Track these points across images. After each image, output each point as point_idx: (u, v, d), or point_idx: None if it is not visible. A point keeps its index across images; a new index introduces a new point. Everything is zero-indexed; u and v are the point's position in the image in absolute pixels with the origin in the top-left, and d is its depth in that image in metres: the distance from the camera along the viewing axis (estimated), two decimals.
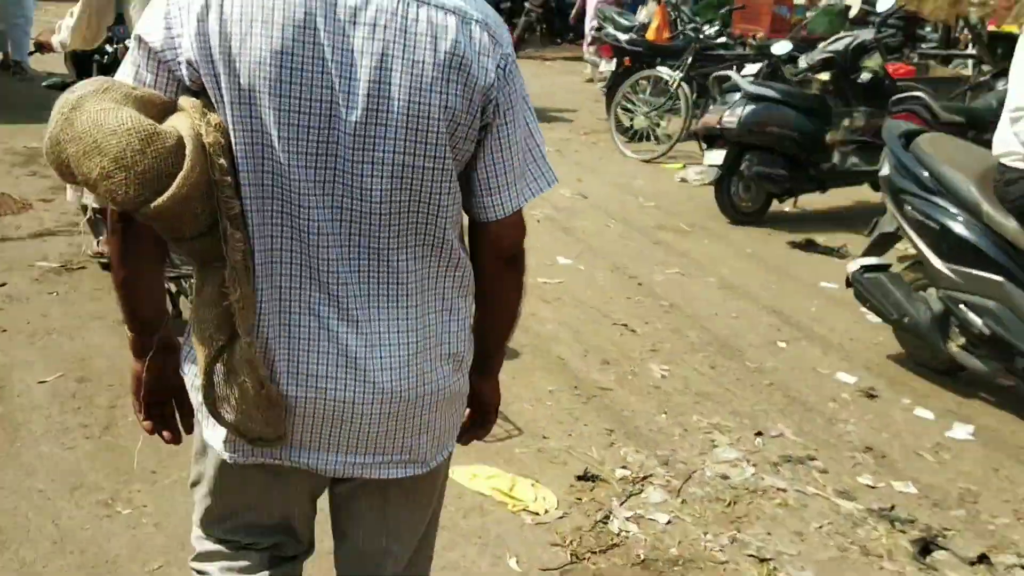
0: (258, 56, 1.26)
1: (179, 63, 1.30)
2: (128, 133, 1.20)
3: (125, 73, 1.35)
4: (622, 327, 4.71)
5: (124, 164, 1.20)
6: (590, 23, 12.13)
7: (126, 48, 4.19)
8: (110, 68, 4.56)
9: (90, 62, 4.60)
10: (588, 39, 12.29)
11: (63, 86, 4.83)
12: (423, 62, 1.28)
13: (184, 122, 1.27)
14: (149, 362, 1.51)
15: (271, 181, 1.31)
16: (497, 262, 1.51)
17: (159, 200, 1.23)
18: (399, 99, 1.28)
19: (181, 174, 1.23)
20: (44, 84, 4.40)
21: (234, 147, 1.30)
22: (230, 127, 1.29)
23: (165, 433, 1.61)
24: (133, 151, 1.20)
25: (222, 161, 1.27)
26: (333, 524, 1.71)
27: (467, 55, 1.30)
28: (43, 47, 4.56)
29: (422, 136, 1.31)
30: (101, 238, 4.45)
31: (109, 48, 4.48)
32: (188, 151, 1.24)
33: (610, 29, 10.82)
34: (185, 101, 1.30)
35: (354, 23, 1.27)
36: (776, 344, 4.65)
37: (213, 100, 1.30)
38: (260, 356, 1.37)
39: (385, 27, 1.27)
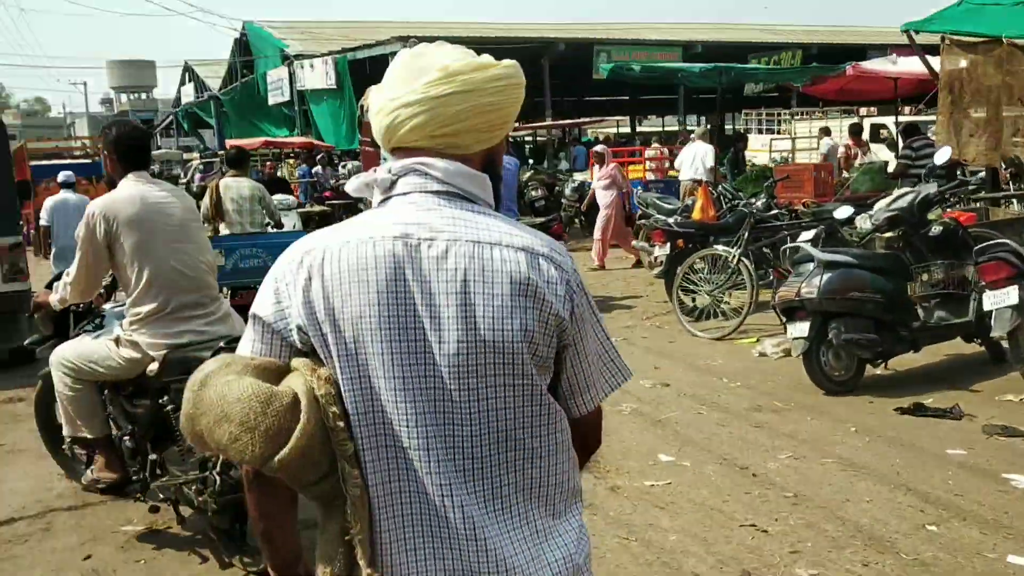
0: (358, 312, 1.43)
1: (290, 330, 1.48)
2: (250, 399, 1.39)
3: (243, 347, 1.53)
4: (751, 528, 4.31)
5: (249, 426, 1.38)
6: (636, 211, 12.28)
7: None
8: (84, 315, 4.65)
9: (66, 313, 4.58)
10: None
11: (42, 341, 4.81)
12: (501, 294, 1.43)
13: (297, 380, 1.44)
14: None
15: (380, 419, 1.44)
16: (581, 453, 1.63)
17: (282, 453, 1.38)
18: (483, 329, 1.42)
19: (299, 426, 1.39)
20: (26, 343, 4.33)
21: (344, 394, 1.45)
22: (339, 376, 1.44)
23: None
24: (255, 413, 1.38)
25: (334, 409, 1.42)
26: None
27: (538, 286, 1.45)
28: (40, 307, 4.52)
29: (508, 359, 1.44)
30: (91, 468, 4.55)
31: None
32: (303, 406, 1.40)
33: (656, 215, 10.92)
34: (296, 362, 1.47)
35: (438, 269, 1.43)
36: (926, 528, 4.21)
37: (322, 356, 1.46)
38: None
39: (465, 269, 1.43)
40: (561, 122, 29.37)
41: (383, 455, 1.45)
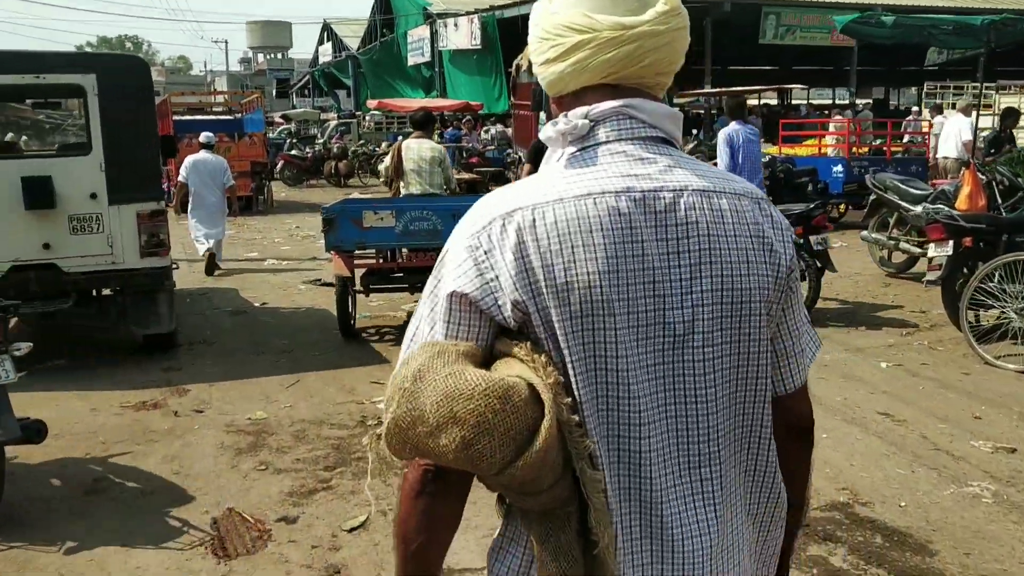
0: (586, 280, 1.20)
1: (499, 306, 1.21)
2: (484, 395, 1.12)
3: (436, 330, 1.24)
4: None
5: (486, 428, 1.12)
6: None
7: None
8: None
9: None
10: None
11: None
12: (739, 248, 1.26)
13: (519, 368, 1.18)
14: None
15: (614, 407, 1.22)
16: (795, 440, 1.40)
17: (526, 456, 1.13)
18: (725, 289, 1.24)
19: (545, 424, 1.14)
20: None
21: (573, 380, 1.20)
22: (568, 359, 1.20)
23: None
24: (493, 412, 1.12)
25: (566, 399, 1.18)
26: None
27: (768, 234, 1.29)
28: None
29: (746, 323, 1.26)
30: None
31: None
32: (545, 398, 1.15)
33: (900, 201, 8.91)
34: (507, 345, 1.22)
35: (666, 225, 1.23)
36: None
37: (540, 336, 1.21)
38: None
39: (697, 223, 1.24)
40: (731, 89, 27.05)
41: (616, 451, 1.22)
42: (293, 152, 25.73)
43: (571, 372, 1.20)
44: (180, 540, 3.97)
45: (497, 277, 1.21)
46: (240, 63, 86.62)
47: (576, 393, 1.20)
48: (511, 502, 1.27)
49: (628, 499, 1.23)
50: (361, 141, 28.93)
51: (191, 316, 8.46)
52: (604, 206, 1.22)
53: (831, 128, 16.62)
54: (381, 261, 7.83)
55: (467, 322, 1.23)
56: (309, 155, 25.40)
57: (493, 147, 22.34)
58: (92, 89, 6.46)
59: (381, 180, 12.30)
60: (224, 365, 6.80)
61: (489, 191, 12.17)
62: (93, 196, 6.55)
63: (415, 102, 27.65)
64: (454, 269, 1.24)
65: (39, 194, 6.38)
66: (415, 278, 7.43)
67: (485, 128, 24.85)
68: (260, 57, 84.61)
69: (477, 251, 1.23)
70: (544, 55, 1.31)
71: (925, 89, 26.71)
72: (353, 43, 43.90)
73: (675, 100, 23.39)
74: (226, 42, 73.21)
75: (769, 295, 1.27)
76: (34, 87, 7.13)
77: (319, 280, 10.26)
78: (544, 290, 1.19)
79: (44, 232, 6.48)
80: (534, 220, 1.21)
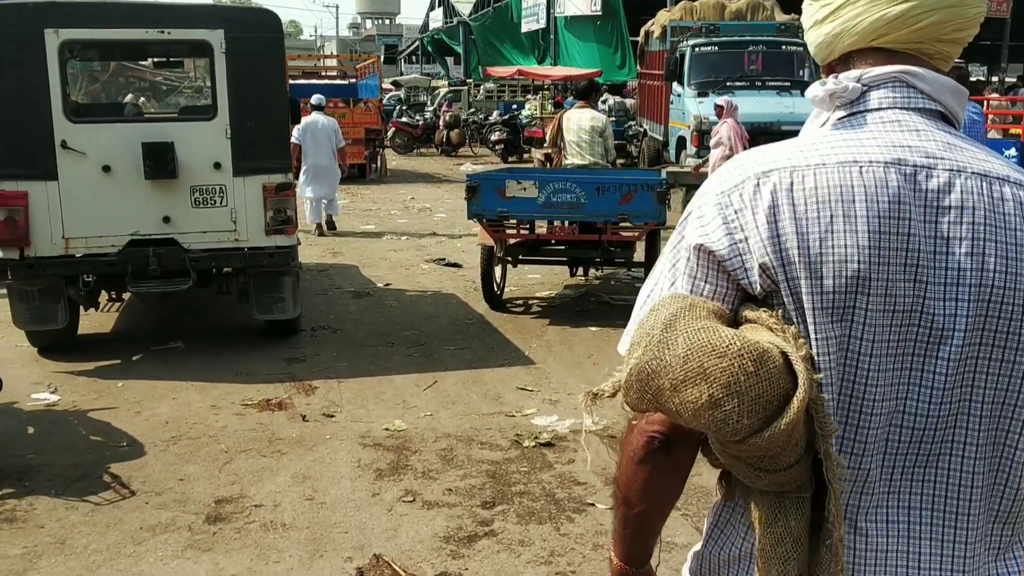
0: (843, 254, 1.09)
1: (747, 269, 1.13)
2: (739, 355, 1.04)
3: (678, 285, 1.17)
4: None
5: (736, 390, 1.03)
6: None
7: None
8: None
9: None
10: None
11: None
12: (1017, 244, 1.11)
13: (768, 335, 1.08)
14: None
15: (858, 392, 1.11)
16: None
17: (773, 427, 1.03)
18: (993, 287, 1.10)
19: (797, 396, 1.04)
20: None
21: (816, 356, 1.10)
22: (812, 334, 1.10)
23: None
24: (746, 374, 1.03)
25: (819, 375, 1.09)
26: None
27: None
28: None
29: (1016, 326, 1.11)
30: None
31: None
32: (799, 371, 1.05)
33: None
34: (755, 313, 1.12)
35: (937, 207, 1.11)
36: None
37: (787, 306, 1.12)
38: None
39: (974, 209, 1.11)
40: None
41: (854, 437, 1.12)
42: (403, 119, 25.23)
43: (815, 348, 1.10)
44: None
45: (746, 239, 1.12)
46: (349, 28, 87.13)
47: (820, 371, 1.11)
48: (742, 479, 1.15)
49: (876, 498, 1.15)
50: (472, 110, 28.28)
51: (312, 296, 7.84)
52: (870, 176, 1.11)
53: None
54: (526, 232, 7.59)
55: (713, 280, 1.15)
56: (420, 123, 24.84)
57: (613, 119, 21.31)
58: (220, 46, 5.80)
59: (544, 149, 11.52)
60: (351, 358, 6.12)
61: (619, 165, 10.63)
62: (217, 166, 5.91)
63: (537, 70, 26.76)
64: (701, 225, 1.16)
65: (160, 162, 5.77)
66: (572, 252, 7.42)
67: (603, 99, 23.77)
68: (368, 23, 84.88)
69: (727, 209, 1.14)
70: (813, 16, 1.22)
71: None
72: (465, 9, 43.18)
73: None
74: (337, 7, 73.46)
75: None
76: (157, 43, 6.51)
77: (443, 260, 9.56)
78: (796, 259, 1.10)
79: (164, 204, 5.88)
80: (791, 183, 1.12)
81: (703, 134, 13.79)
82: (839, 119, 1.19)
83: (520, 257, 7.43)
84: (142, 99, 16.28)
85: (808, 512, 1.11)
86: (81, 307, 6.41)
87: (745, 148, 8.72)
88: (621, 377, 1.13)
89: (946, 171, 1.11)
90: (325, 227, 11.44)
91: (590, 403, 1.22)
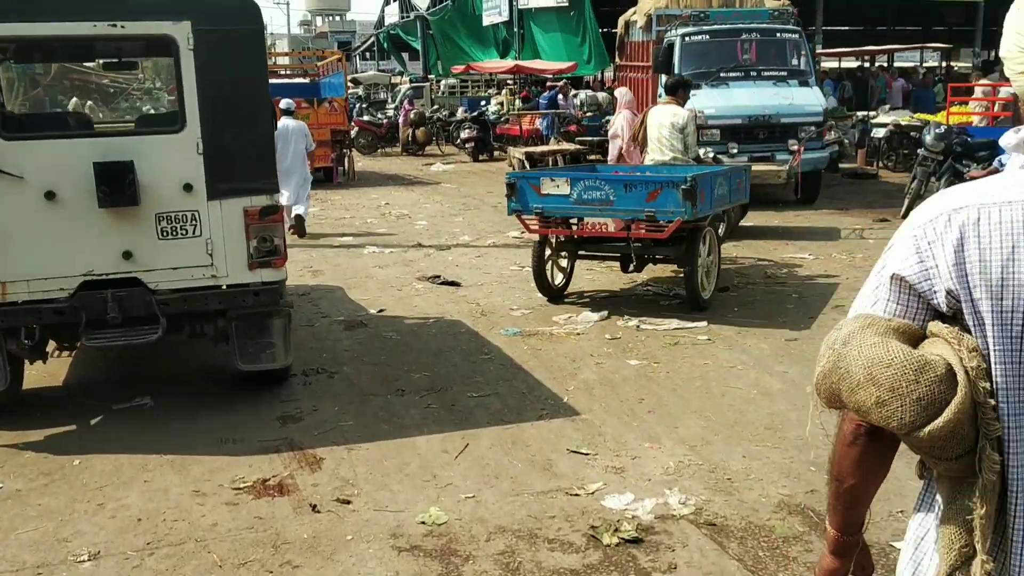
0: (1016, 286, 1.28)
1: (934, 292, 1.35)
2: (901, 365, 1.31)
3: (875, 306, 1.41)
4: None
5: (899, 392, 1.30)
6: None
7: None
8: None
9: None
10: None
11: None
12: None
13: (942, 348, 1.32)
14: (843, 559, 1.55)
15: (1020, 405, 1.31)
16: None
17: (935, 424, 1.29)
18: None
19: (955, 400, 1.28)
20: None
21: (994, 369, 1.31)
22: (990, 349, 1.31)
23: None
24: (907, 381, 1.30)
25: (985, 384, 1.30)
26: None
27: None
28: None
29: None
30: None
31: None
32: (960, 379, 1.29)
33: None
34: (938, 328, 1.35)
35: None
36: None
37: (970, 324, 1.33)
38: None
39: None
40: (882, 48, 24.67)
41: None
42: (366, 118, 24.08)
43: (993, 361, 1.30)
44: None
45: (936, 266, 1.34)
46: (300, 25, 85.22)
47: (995, 381, 1.31)
48: (927, 462, 1.40)
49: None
50: (436, 106, 27.18)
51: (297, 329, 6.78)
52: None
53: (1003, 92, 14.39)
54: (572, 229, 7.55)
55: (904, 302, 1.38)
56: (385, 121, 23.72)
57: (588, 114, 20.39)
58: (186, 41, 4.74)
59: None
60: (357, 413, 5.10)
61: (588, 161, 10.05)
62: (188, 188, 4.85)
63: (504, 64, 25.74)
64: (899, 254, 1.39)
65: (117, 186, 4.69)
66: (609, 247, 7.60)
67: (573, 93, 22.83)
68: (319, 20, 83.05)
69: (921, 241, 1.35)
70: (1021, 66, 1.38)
71: None
72: (423, 3, 41.93)
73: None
74: (288, 3, 71.43)
75: None
76: (110, 39, 5.40)
77: (438, 277, 8.55)
78: (979, 283, 1.30)
79: (124, 237, 4.81)
80: (979, 218, 1.31)
81: (698, 128, 12.93)
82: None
83: (570, 253, 7.72)
84: (89, 103, 14.95)
85: (977, 496, 1.32)
86: (26, 361, 5.30)
87: (635, 140, 8.93)
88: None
89: None
90: (303, 229, 10.76)
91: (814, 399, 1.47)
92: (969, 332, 1.32)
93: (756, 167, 10.92)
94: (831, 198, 13.41)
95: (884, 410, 1.30)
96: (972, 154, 12.02)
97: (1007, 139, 1.42)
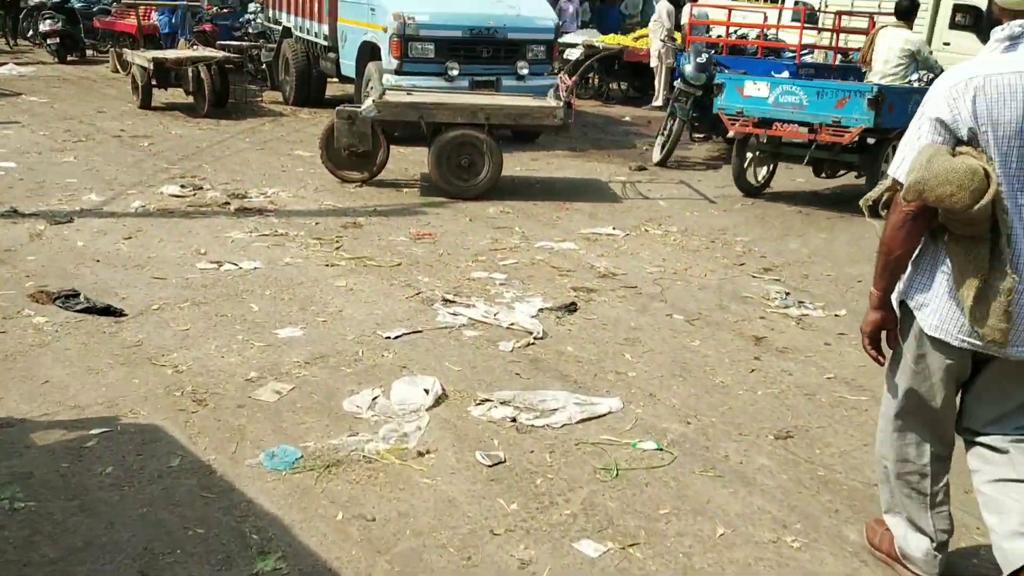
0: (1008, 118, 2.25)
1: (959, 128, 2.29)
2: (964, 170, 2.22)
3: (928, 138, 2.33)
4: None
5: (962, 185, 2.21)
6: None
7: None
8: None
9: None
10: None
11: None
12: None
13: (972, 160, 2.24)
14: (885, 311, 2.53)
15: (1012, 194, 2.29)
16: None
17: (979, 205, 2.21)
18: None
19: (989, 192, 2.22)
20: None
21: (997, 169, 2.26)
22: (995, 159, 2.27)
23: (875, 354, 2.59)
24: (968, 179, 2.21)
25: (998, 180, 2.25)
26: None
27: None
28: None
29: None
30: None
31: None
32: (992, 177, 2.23)
33: None
34: (966, 149, 2.29)
35: None
36: None
37: (983, 146, 2.28)
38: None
39: None
40: None
41: (1020, 210, 2.30)
42: None
43: (996, 165, 2.26)
44: None
45: (960, 112, 2.28)
46: None
47: (999, 176, 2.26)
48: (956, 232, 2.33)
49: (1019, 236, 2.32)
50: None
51: None
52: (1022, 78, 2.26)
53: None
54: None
55: (943, 134, 2.31)
56: None
57: (221, 9, 16.07)
58: None
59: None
60: None
61: (245, 72, 8.56)
62: None
63: None
64: (936, 106, 2.32)
65: None
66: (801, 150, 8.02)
67: None
68: None
69: (950, 98, 2.29)
70: None
71: None
72: None
73: None
74: None
75: None
76: None
77: (73, 298, 4.76)
78: (986, 122, 2.26)
79: None
80: (984, 83, 2.26)
81: (407, 40, 9.81)
82: (1006, 46, 2.35)
83: (768, 154, 8.41)
84: None
85: (989, 247, 2.29)
86: None
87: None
88: (885, 186, 2.45)
89: None
90: None
91: (866, 209, 2.54)
92: (985, 151, 2.27)
93: (518, 102, 8.16)
94: (551, 137, 11.04)
95: (955, 198, 2.21)
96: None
97: (996, 33, 2.38)
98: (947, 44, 15.37)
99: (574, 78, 8.69)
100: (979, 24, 15.02)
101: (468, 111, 7.65)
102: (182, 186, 7.60)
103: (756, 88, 7.86)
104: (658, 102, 14.66)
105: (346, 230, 6.56)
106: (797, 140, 7.85)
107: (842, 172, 8.53)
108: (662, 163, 9.84)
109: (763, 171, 8.61)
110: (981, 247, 2.27)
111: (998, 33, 2.36)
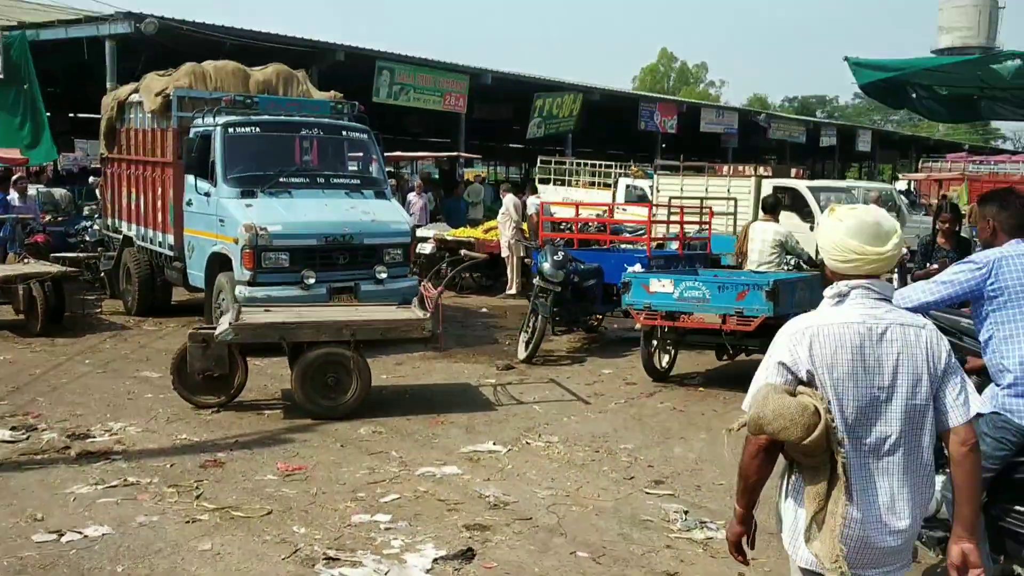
0: (840, 367, 2.59)
1: (799, 370, 2.62)
2: (796, 407, 2.51)
3: (771, 377, 2.65)
4: None
5: (794, 422, 2.49)
6: None
7: None
8: None
9: None
10: None
11: None
12: (916, 355, 2.64)
13: (807, 399, 2.54)
14: (747, 525, 2.77)
15: (850, 424, 2.60)
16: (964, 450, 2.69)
17: (811, 437, 2.48)
18: (906, 384, 2.62)
19: (820, 424, 2.49)
20: None
21: (832, 408, 2.57)
22: (830, 398, 2.58)
23: (740, 558, 2.85)
24: (798, 415, 2.49)
25: (830, 416, 2.53)
26: None
27: (934, 350, 2.66)
28: None
29: (924, 392, 2.64)
30: None
31: None
32: (822, 413, 2.50)
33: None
34: (803, 389, 2.60)
35: (881, 342, 2.62)
36: None
37: (819, 386, 2.60)
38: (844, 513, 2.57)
39: (895, 341, 2.63)
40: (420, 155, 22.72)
41: (853, 448, 2.59)
42: None
43: (832, 405, 2.58)
44: None
45: (799, 356, 2.62)
46: None
47: (835, 414, 2.57)
48: (797, 461, 2.63)
49: (862, 469, 2.62)
50: None
51: None
52: (852, 330, 2.62)
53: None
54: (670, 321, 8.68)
55: (784, 375, 2.63)
56: None
57: (56, 217, 15.36)
58: None
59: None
60: None
61: (82, 282, 11.91)
62: None
63: None
64: (780, 350, 2.66)
65: None
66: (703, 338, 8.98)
67: (17, 183, 17.04)
68: None
69: (791, 343, 2.65)
70: (834, 258, 2.71)
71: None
72: None
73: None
74: None
75: (933, 381, 2.66)
76: None
77: None
78: (820, 366, 2.59)
79: None
80: (818, 332, 2.63)
81: (260, 251, 9.50)
82: (835, 302, 2.71)
83: (672, 342, 9.13)
84: None
85: (827, 474, 2.55)
86: None
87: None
88: (743, 420, 2.64)
89: (885, 324, 2.65)
90: None
91: (731, 434, 2.73)
92: (819, 389, 2.59)
93: (384, 315, 7.93)
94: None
95: (785, 432, 2.49)
96: (582, 285, 10.51)
97: (827, 292, 2.76)
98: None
99: (440, 288, 8.49)
100: (797, 204, 16.23)
101: (333, 328, 7.34)
102: (13, 428, 6.82)
103: (661, 285, 8.46)
104: (512, 290, 14.86)
105: (206, 471, 5.98)
106: (699, 328, 8.51)
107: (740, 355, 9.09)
108: (528, 360, 9.75)
109: (666, 357, 9.14)
110: (821, 475, 2.55)
111: (829, 291, 2.72)
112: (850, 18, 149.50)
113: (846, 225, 2.65)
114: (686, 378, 9.21)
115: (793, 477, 2.68)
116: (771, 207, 9.76)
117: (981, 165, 33.14)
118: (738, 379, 9.16)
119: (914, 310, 3.48)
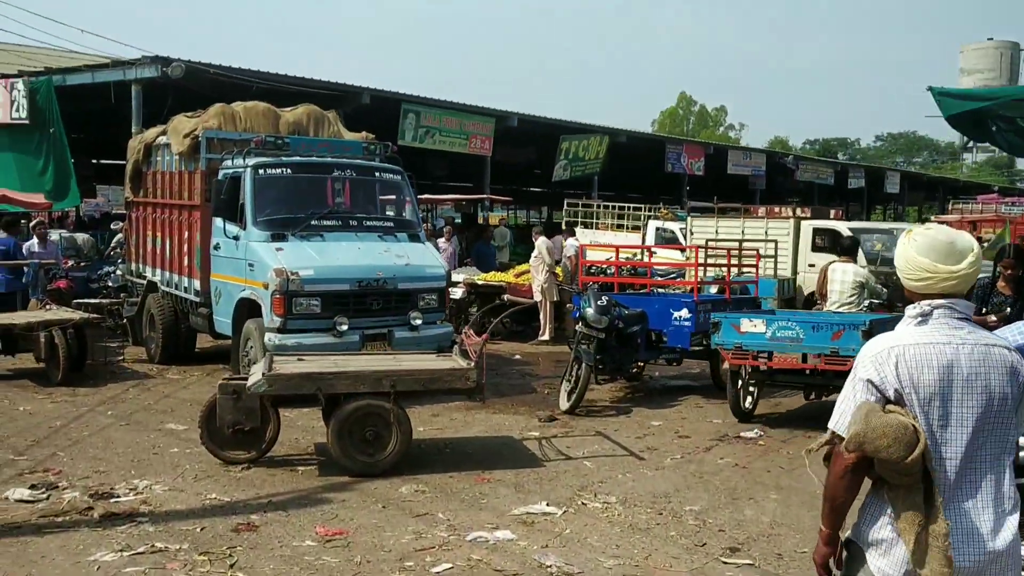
0: (926, 386, 2.58)
1: (887, 389, 2.60)
2: (897, 427, 2.49)
3: (862, 396, 2.63)
4: None
5: (897, 439, 2.47)
6: None
7: None
8: None
9: None
10: None
11: None
12: (1001, 375, 2.63)
13: (905, 418, 2.53)
14: (832, 546, 2.73)
15: (939, 440, 2.59)
16: None
17: (912, 455, 2.46)
18: (991, 403, 2.61)
19: (920, 443, 2.48)
20: None
21: (923, 429, 2.55)
22: (921, 420, 2.56)
23: None
24: (900, 434, 2.48)
25: (924, 434, 2.52)
26: None
27: (1019, 369, 2.66)
28: None
29: (1007, 411, 2.64)
30: None
31: None
32: (921, 433, 2.50)
33: None
34: (893, 407, 2.58)
35: (967, 361, 2.61)
36: None
37: (908, 404, 2.58)
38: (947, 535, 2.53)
39: (980, 360, 2.62)
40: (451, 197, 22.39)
41: (939, 463, 2.58)
42: None
43: (921, 423, 2.55)
44: None
45: (887, 376, 2.60)
46: None
47: (924, 432, 2.54)
48: (891, 481, 2.57)
49: (953, 488, 2.60)
50: None
51: None
52: (938, 348, 2.62)
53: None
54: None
55: (874, 393, 2.61)
56: None
57: (78, 263, 15.07)
58: None
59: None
60: None
61: (104, 328, 11.16)
62: None
63: None
64: (866, 369, 2.63)
65: None
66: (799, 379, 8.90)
67: (37, 229, 16.78)
68: None
69: (876, 362, 2.62)
70: (908, 277, 2.73)
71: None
72: None
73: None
74: None
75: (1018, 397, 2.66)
76: None
77: None
78: (908, 384, 2.58)
79: None
80: (903, 351, 2.61)
81: (291, 297, 9.08)
82: (918, 321, 2.70)
83: (765, 381, 9.10)
84: None
85: (922, 495, 2.52)
86: None
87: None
88: (825, 438, 2.71)
89: (971, 344, 2.64)
90: None
91: (813, 453, 2.79)
92: (910, 408, 2.58)
93: (426, 365, 7.49)
94: None
95: (889, 451, 2.46)
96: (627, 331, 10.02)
97: (908, 312, 2.75)
98: (812, 265, 15.98)
99: (485, 335, 8.02)
100: (837, 244, 15.75)
101: (371, 378, 6.88)
102: (32, 487, 6.38)
103: (753, 325, 8.57)
104: (544, 336, 14.39)
105: (239, 535, 5.50)
106: (789, 368, 8.50)
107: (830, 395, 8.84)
108: (571, 411, 9.25)
109: (749, 399, 9.15)
110: (916, 495, 2.52)
111: (911, 310, 2.73)
112: (869, 62, 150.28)
113: (918, 244, 2.70)
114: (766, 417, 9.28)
115: (883, 497, 2.63)
116: (849, 248, 9.74)
117: (1014, 206, 32.58)
118: (805, 424, 8.66)
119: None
